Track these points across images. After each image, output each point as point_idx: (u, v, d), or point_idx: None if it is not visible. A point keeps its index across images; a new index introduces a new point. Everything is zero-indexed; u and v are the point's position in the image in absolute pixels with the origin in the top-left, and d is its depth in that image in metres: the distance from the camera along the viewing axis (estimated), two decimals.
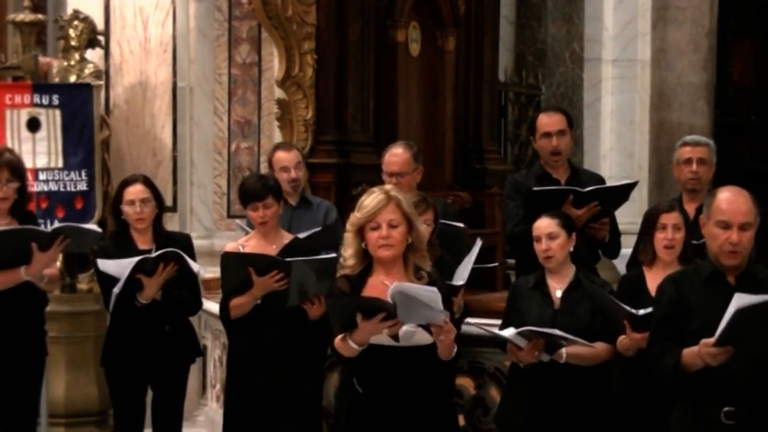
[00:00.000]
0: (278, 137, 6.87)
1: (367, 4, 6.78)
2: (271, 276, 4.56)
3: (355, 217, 3.85)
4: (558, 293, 4.46)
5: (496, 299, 5.40)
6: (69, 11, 7.08)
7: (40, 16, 7.20)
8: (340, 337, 3.78)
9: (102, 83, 6.98)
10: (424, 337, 3.78)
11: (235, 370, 4.88)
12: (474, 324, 4.55)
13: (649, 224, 4.53)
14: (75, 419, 6.61)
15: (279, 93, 6.76)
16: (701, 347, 3.47)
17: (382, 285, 3.82)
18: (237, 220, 5.94)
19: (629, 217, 5.57)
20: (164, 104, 7.30)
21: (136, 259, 4.73)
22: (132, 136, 7.35)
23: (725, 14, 9.67)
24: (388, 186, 4.11)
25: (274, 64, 6.95)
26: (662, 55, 9.00)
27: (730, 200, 3.63)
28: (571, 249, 4.51)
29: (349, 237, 3.88)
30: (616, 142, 9.36)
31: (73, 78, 6.84)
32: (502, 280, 6.93)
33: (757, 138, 11.62)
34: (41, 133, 6.51)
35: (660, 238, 4.47)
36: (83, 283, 6.78)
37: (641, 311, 4.13)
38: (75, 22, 6.89)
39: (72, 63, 6.89)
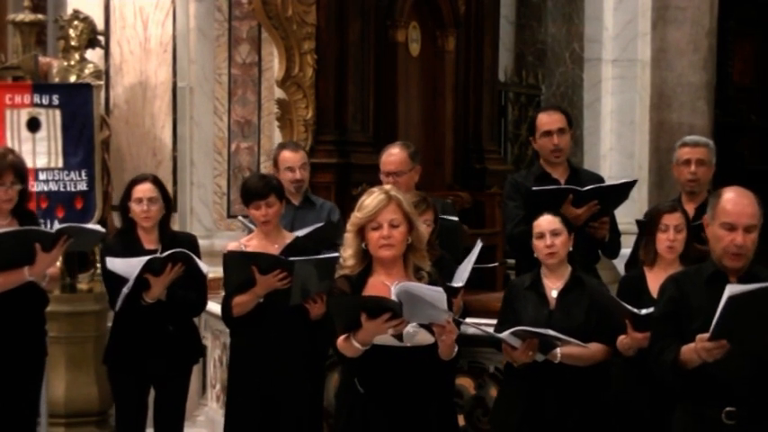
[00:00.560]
0: (278, 137, 6.87)
1: (367, 4, 6.78)
2: (274, 275, 4.56)
3: (356, 217, 3.85)
4: (554, 294, 4.47)
5: (496, 299, 5.38)
6: (69, 11, 7.08)
7: (40, 16, 7.20)
8: (343, 337, 3.78)
9: (102, 83, 6.98)
10: (425, 337, 3.79)
11: (236, 369, 4.89)
12: (469, 323, 4.55)
13: (651, 225, 4.53)
14: (75, 419, 6.62)
15: (279, 93, 6.76)
16: (696, 343, 3.46)
17: (382, 285, 3.83)
18: (240, 216, 5.94)
19: (629, 217, 5.57)
20: (164, 104, 7.30)
21: (145, 259, 4.74)
22: (132, 136, 7.36)
23: (725, 14, 9.67)
24: (388, 186, 4.12)
25: (274, 64, 6.95)
26: (662, 55, 9.00)
27: (735, 201, 3.62)
28: (570, 248, 4.52)
29: (349, 237, 3.89)
30: (616, 142, 9.36)
31: (73, 78, 6.84)
32: (502, 280, 6.92)
33: (757, 138, 11.61)
34: (41, 133, 6.51)
35: (662, 239, 4.47)
36: (83, 283, 6.78)
37: (643, 311, 4.13)
38: (75, 22, 6.90)
39: (72, 63, 6.89)
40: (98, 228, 5.06)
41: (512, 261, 6.29)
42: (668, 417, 3.88)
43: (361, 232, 3.86)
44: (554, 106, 5.85)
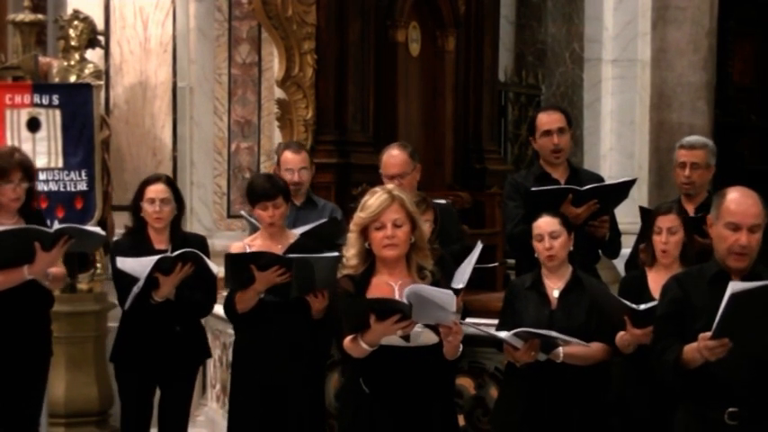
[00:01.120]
0: (278, 137, 6.87)
1: (367, 4, 6.77)
2: (272, 271, 4.57)
3: (359, 217, 3.86)
4: (555, 293, 4.47)
5: (496, 299, 5.38)
6: (69, 11, 7.08)
7: (40, 16, 7.20)
8: (350, 337, 3.78)
9: (102, 83, 6.98)
10: (430, 337, 3.80)
11: (239, 368, 4.91)
12: (469, 323, 4.55)
13: (648, 226, 4.54)
14: (75, 419, 6.62)
15: (279, 93, 6.75)
16: (699, 342, 3.46)
17: (386, 285, 3.85)
18: (242, 212, 5.94)
19: (629, 217, 5.57)
20: (164, 104, 7.30)
21: (155, 258, 4.75)
22: (132, 136, 7.36)
23: (725, 14, 9.67)
24: (391, 186, 4.14)
25: (274, 64, 6.95)
26: (662, 55, 9.00)
27: (740, 201, 3.61)
28: (570, 249, 4.52)
29: (352, 237, 3.90)
30: (616, 142, 9.35)
31: (73, 78, 6.84)
32: (502, 280, 6.91)
33: (757, 138, 11.61)
34: (41, 133, 6.51)
35: (657, 241, 4.47)
36: (83, 283, 6.78)
37: (642, 306, 4.13)
38: (75, 22, 6.90)
39: (72, 63, 6.89)
40: (99, 230, 5.05)
41: (512, 261, 6.29)
42: (668, 417, 3.88)
43: (364, 232, 3.87)
44: (554, 106, 5.85)
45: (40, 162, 6.44)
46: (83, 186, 6.60)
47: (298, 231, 4.95)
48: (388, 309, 3.67)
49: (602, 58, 9.36)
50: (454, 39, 7.38)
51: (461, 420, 5.06)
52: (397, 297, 3.75)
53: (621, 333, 4.25)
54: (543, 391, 4.36)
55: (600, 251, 5.37)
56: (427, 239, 4.05)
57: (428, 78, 7.35)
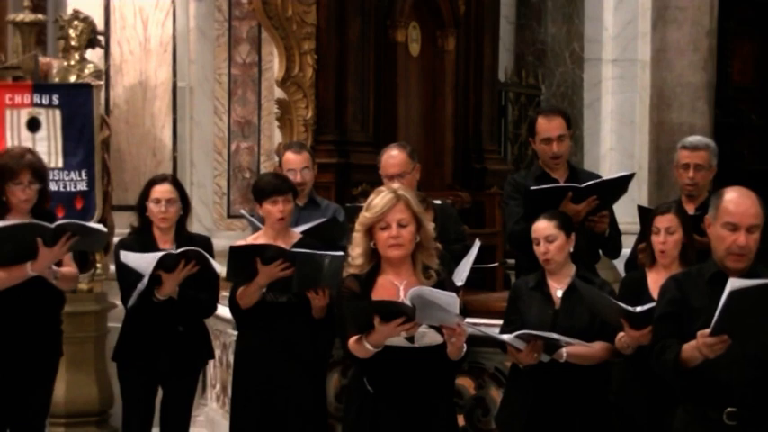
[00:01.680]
0: (278, 137, 6.87)
1: (367, 4, 6.78)
2: (275, 264, 4.57)
3: (364, 216, 3.87)
4: (559, 293, 4.47)
5: (496, 299, 5.40)
6: (69, 11, 7.07)
7: (40, 16, 7.18)
8: (355, 338, 3.79)
9: (102, 83, 6.97)
10: (434, 338, 3.82)
11: (241, 370, 4.92)
12: (468, 324, 4.55)
13: (647, 226, 4.54)
14: (75, 419, 6.61)
15: (279, 93, 6.76)
16: (698, 339, 3.46)
17: (391, 285, 3.86)
18: (242, 211, 5.94)
19: (629, 217, 5.57)
20: (164, 104, 7.30)
21: (159, 254, 4.75)
22: (132, 136, 7.35)
23: (725, 14, 9.66)
24: (396, 185, 4.14)
25: (274, 64, 6.95)
26: (662, 55, 9.00)
27: (738, 202, 3.61)
28: (571, 250, 4.51)
29: (358, 236, 3.90)
30: (616, 142, 9.35)
31: (73, 78, 6.83)
32: (502, 280, 6.92)
33: (757, 138, 11.59)
34: (41, 133, 6.50)
35: (655, 242, 4.47)
36: (83, 283, 6.76)
37: (638, 308, 4.13)
38: (75, 22, 6.89)
39: (72, 63, 6.89)
40: (100, 227, 5.04)
41: (512, 261, 6.29)
42: (667, 419, 3.88)
43: (369, 232, 3.87)
44: (554, 109, 5.82)
45: None
46: (83, 186, 6.60)
47: (298, 230, 4.96)
48: (392, 311, 3.67)
49: (602, 58, 9.36)
50: (454, 39, 7.38)
51: (461, 420, 5.06)
52: (401, 297, 3.75)
53: (620, 335, 4.25)
54: (548, 390, 4.36)
55: (600, 251, 5.37)
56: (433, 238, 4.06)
57: (428, 78, 7.36)
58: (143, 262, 4.77)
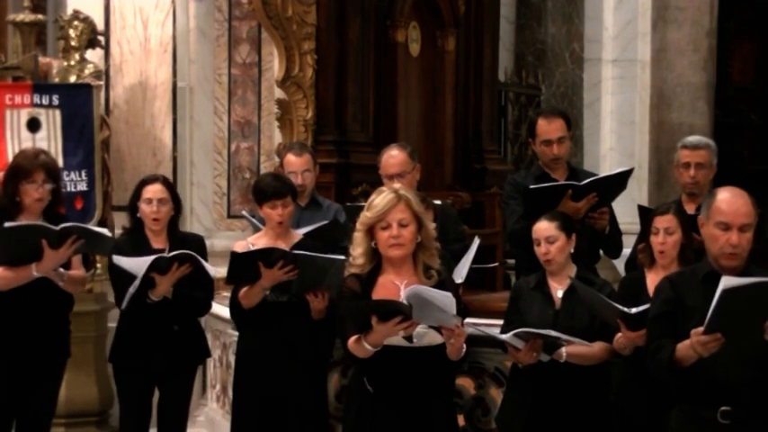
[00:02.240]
0: (278, 137, 6.87)
1: (367, 4, 6.78)
2: (278, 267, 4.57)
3: (365, 216, 3.87)
4: (560, 294, 4.47)
5: (496, 299, 5.40)
6: (69, 11, 7.07)
7: (40, 16, 7.18)
8: (354, 338, 3.80)
9: (102, 83, 6.98)
10: (435, 338, 3.82)
11: (242, 371, 4.92)
12: (468, 324, 4.55)
13: (647, 226, 4.54)
14: (75, 419, 6.61)
15: (279, 93, 6.76)
16: (692, 337, 3.46)
17: (392, 285, 3.86)
18: (243, 212, 5.94)
19: (629, 217, 5.57)
20: (164, 104, 7.30)
21: (152, 258, 4.75)
22: (132, 136, 7.35)
23: (725, 14, 9.66)
24: (397, 185, 4.14)
25: (274, 64, 6.95)
26: (662, 55, 9.00)
27: (730, 201, 3.62)
28: (571, 251, 4.51)
29: (359, 236, 3.91)
30: (616, 142, 9.36)
31: (73, 78, 6.83)
32: (502, 280, 6.93)
33: (757, 138, 11.59)
34: (41, 133, 6.50)
35: (654, 242, 4.47)
36: None
37: (634, 310, 4.13)
38: (75, 23, 6.89)
39: (72, 63, 6.89)
40: (105, 231, 5.04)
41: (512, 261, 6.29)
42: (666, 418, 3.88)
43: (370, 231, 3.88)
44: (554, 110, 5.82)
45: None
46: (83, 186, 6.60)
47: (300, 232, 4.95)
48: (389, 310, 3.68)
49: (602, 58, 9.36)
50: (454, 39, 7.38)
51: (461, 420, 5.06)
52: (402, 297, 3.76)
53: (618, 335, 4.26)
54: (548, 391, 4.36)
55: (601, 251, 5.37)
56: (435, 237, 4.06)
57: (428, 78, 7.36)
58: (135, 265, 4.77)
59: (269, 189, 4.78)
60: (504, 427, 4.68)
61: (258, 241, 4.85)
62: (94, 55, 7.13)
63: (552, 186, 5.09)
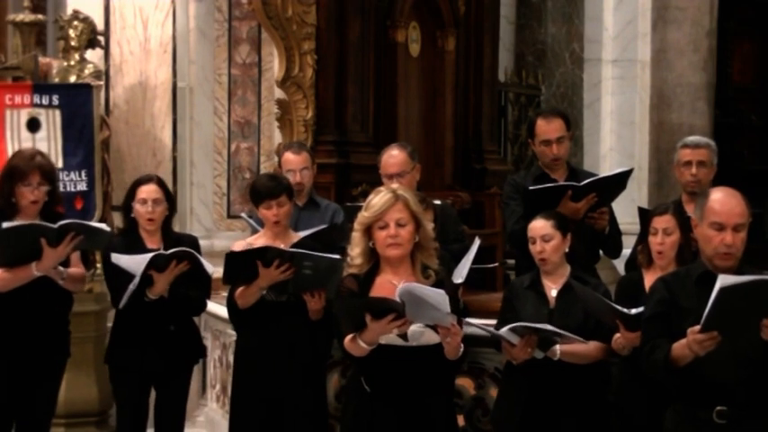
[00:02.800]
0: (278, 137, 6.87)
1: (367, 4, 6.78)
2: (275, 266, 4.56)
3: (363, 216, 3.88)
4: (554, 293, 4.47)
5: (496, 299, 5.38)
6: (69, 11, 7.08)
7: (40, 16, 7.19)
8: (350, 337, 3.80)
9: (102, 83, 6.98)
10: (431, 337, 3.81)
11: (240, 371, 4.91)
12: (470, 322, 4.55)
13: (645, 227, 4.54)
14: (75, 419, 6.61)
15: (279, 93, 6.76)
16: (688, 336, 3.47)
17: (390, 284, 3.85)
18: (243, 214, 5.94)
19: (629, 217, 5.57)
20: (164, 105, 7.30)
21: (150, 255, 4.75)
22: (132, 136, 7.36)
23: (725, 14, 9.66)
24: (395, 185, 4.14)
25: (274, 64, 6.95)
26: (662, 55, 9.00)
27: (723, 201, 3.63)
28: (566, 250, 4.51)
29: (356, 236, 3.91)
30: (616, 142, 9.36)
31: (73, 78, 6.83)
32: (502, 280, 6.92)
33: (757, 138, 11.59)
34: (41, 133, 6.50)
35: (653, 242, 4.48)
36: None
37: (633, 311, 4.13)
38: (75, 23, 6.89)
39: (72, 63, 6.89)
40: (103, 226, 5.04)
41: (512, 261, 6.29)
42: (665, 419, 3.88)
43: (368, 231, 3.88)
44: (553, 110, 5.81)
45: None
46: (83, 187, 6.60)
47: (301, 234, 4.95)
48: (382, 308, 3.67)
49: (602, 58, 9.37)
50: (454, 39, 7.38)
51: (461, 420, 5.06)
52: (395, 294, 3.76)
53: (616, 336, 4.26)
54: (543, 389, 4.36)
55: (601, 251, 5.37)
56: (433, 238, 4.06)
57: (428, 78, 7.36)
58: (134, 263, 4.77)
59: (263, 190, 4.78)
60: (497, 424, 4.68)
61: (257, 242, 4.85)
62: (94, 55, 7.13)
63: (552, 187, 5.09)
